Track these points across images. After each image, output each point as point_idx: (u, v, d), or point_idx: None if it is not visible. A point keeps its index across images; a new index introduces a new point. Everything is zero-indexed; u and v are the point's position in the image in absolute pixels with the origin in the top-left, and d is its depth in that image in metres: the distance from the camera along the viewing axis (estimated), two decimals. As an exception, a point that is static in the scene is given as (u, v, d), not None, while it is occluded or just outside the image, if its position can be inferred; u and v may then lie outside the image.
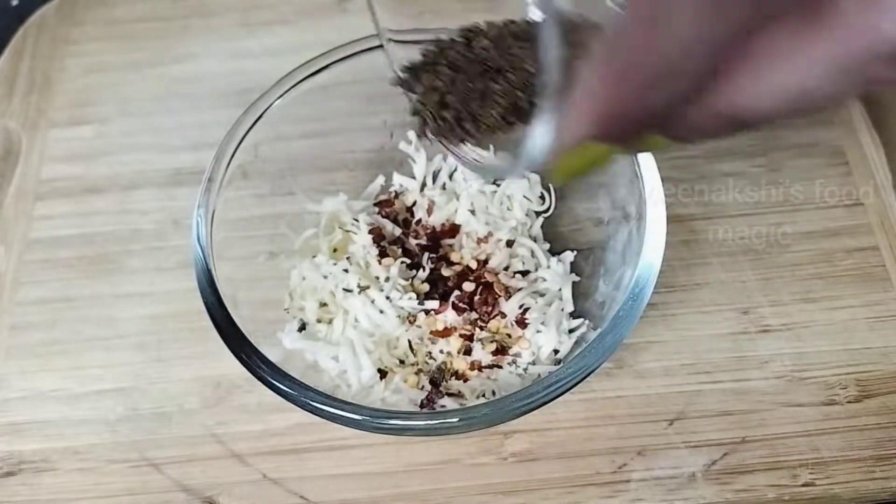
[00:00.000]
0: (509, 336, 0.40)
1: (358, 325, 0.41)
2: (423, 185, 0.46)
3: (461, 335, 0.40)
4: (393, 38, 0.34)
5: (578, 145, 0.23)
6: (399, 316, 0.40)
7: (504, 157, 0.30)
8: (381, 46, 0.41)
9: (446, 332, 0.40)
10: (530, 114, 0.30)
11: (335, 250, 0.44)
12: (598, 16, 0.25)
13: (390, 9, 0.33)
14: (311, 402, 0.33)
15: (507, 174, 0.27)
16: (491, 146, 0.34)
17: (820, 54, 0.20)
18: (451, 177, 0.46)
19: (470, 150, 0.33)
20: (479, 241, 0.43)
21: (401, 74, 0.34)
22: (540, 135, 0.23)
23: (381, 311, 0.40)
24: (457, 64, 0.32)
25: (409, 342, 0.40)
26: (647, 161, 0.38)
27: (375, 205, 0.46)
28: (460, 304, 0.40)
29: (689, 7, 0.19)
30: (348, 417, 0.33)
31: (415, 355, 0.41)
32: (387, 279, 0.41)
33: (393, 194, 0.46)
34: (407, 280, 0.41)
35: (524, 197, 0.44)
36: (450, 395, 0.39)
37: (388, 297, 0.40)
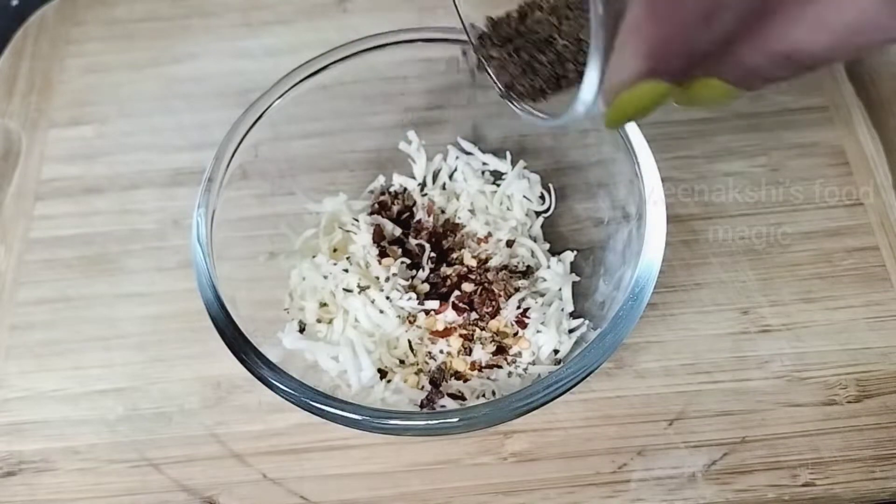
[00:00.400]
0: (509, 336, 0.40)
1: (358, 325, 0.41)
2: (423, 184, 0.46)
3: (461, 335, 0.40)
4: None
5: (632, 84, 0.23)
6: (399, 316, 0.40)
7: (561, 106, 0.31)
8: (385, 46, 0.42)
9: (446, 332, 0.40)
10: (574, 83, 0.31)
11: (335, 250, 0.44)
12: None
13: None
14: (311, 402, 0.33)
15: (565, 120, 0.28)
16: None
17: None
18: (451, 177, 0.46)
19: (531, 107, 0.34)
20: (479, 241, 0.43)
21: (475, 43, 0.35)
22: (591, 76, 0.23)
23: (381, 311, 0.40)
24: (508, 38, 0.33)
25: (409, 342, 0.40)
26: (647, 161, 0.38)
27: (375, 205, 0.46)
28: (460, 304, 0.40)
29: None
30: (348, 417, 0.33)
31: (415, 355, 0.41)
32: (387, 279, 0.41)
33: (393, 194, 0.46)
34: (407, 280, 0.41)
35: (524, 197, 0.44)
36: (450, 395, 0.39)
37: (388, 297, 0.40)
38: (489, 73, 0.34)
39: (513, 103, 0.34)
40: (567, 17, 0.31)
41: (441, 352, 0.40)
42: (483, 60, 0.34)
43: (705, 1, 0.21)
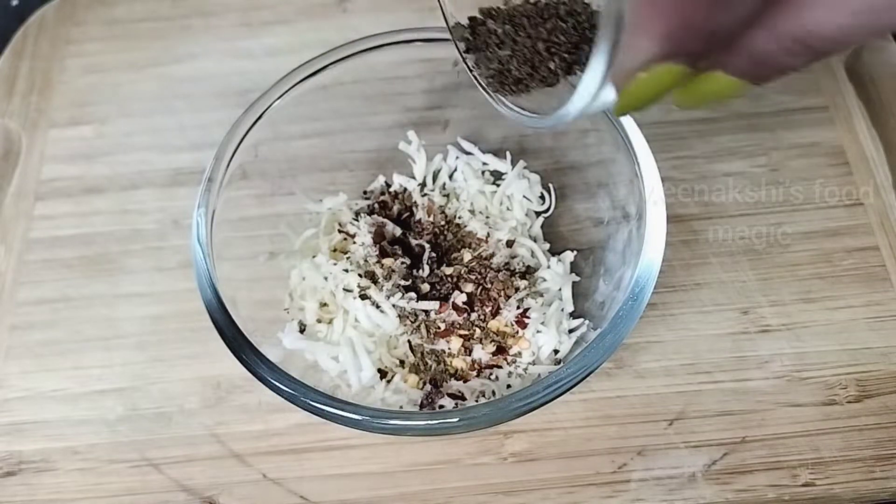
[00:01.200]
0: (509, 336, 0.40)
1: (358, 325, 0.40)
2: (423, 184, 0.46)
3: (461, 335, 0.40)
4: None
5: (648, 66, 0.22)
6: (399, 316, 0.40)
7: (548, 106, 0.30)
8: (385, 46, 0.42)
9: (446, 332, 0.40)
10: (549, 74, 0.30)
11: (335, 250, 0.44)
12: None
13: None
14: (311, 402, 0.33)
15: (566, 115, 0.26)
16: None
17: None
18: (451, 177, 0.46)
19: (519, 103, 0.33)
20: (480, 241, 0.43)
21: (461, 45, 0.34)
22: (599, 62, 0.22)
23: (382, 311, 0.40)
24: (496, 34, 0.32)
25: (410, 342, 0.40)
26: (647, 161, 0.38)
27: (375, 205, 0.46)
28: (460, 305, 0.40)
29: None
30: (348, 417, 0.33)
31: (415, 355, 0.41)
32: (387, 279, 0.41)
33: (393, 194, 0.46)
34: (407, 280, 0.41)
35: (524, 197, 0.44)
36: (450, 395, 0.39)
37: (388, 297, 0.40)
38: (473, 74, 0.33)
39: (502, 102, 0.33)
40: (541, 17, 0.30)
41: (441, 352, 0.40)
42: (466, 60, 0.34)
43: None
